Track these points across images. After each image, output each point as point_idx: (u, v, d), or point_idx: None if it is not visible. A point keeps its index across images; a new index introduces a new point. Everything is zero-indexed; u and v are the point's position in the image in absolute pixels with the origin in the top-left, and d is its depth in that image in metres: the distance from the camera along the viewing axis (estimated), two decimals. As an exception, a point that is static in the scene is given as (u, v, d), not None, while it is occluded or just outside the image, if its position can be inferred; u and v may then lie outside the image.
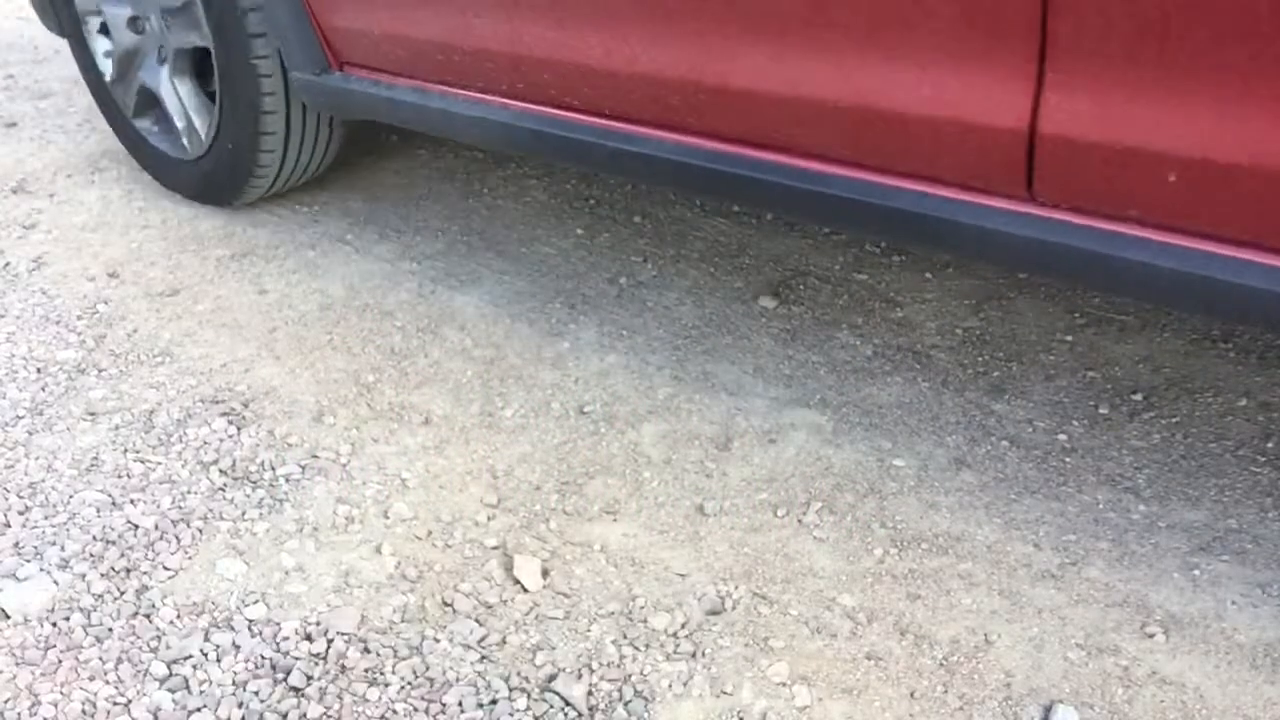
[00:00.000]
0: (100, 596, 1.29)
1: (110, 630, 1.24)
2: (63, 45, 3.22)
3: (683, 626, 1.25)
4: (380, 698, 1.16)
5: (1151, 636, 1.22)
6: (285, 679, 1.18)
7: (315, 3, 1.80)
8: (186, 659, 1.20)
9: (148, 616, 1.26)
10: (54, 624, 1.25)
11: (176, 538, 1.38)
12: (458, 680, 1.18)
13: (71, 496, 1.45)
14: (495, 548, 1.36)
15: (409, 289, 1.95)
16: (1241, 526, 1.36)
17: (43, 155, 2.53)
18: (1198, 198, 1.05)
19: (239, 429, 1.58)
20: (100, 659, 1.21)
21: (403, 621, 1.26)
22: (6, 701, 1.16)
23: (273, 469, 1.50)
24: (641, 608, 1.27)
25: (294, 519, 1.41)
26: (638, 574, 1.32)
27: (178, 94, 2.12)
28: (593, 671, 1.19)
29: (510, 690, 1.17)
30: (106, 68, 2.23)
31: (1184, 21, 0.98)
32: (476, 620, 1.26)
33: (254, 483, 1.48)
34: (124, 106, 2.25)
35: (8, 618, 1.26)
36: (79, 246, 2.12)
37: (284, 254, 2.09)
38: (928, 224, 1.24)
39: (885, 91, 1.20)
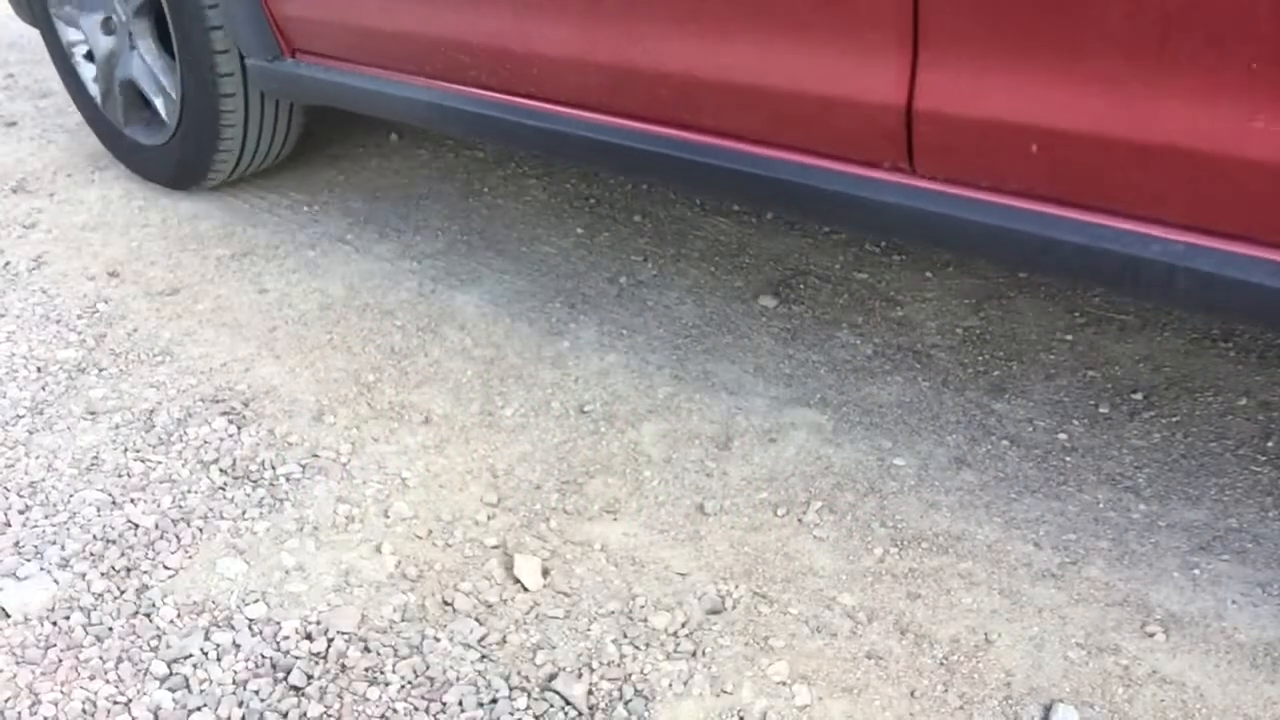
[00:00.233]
0: (100, 595, 1.29)
1: (110, 629, 1.24)
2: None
3: (683, 626, 1.25)
4: (380, 697, 1.16)
5: (1152, 636, 1.22)
6: (285, 678, 1.18)
7: None
8: (187, 658, 1.20)
9: (148, 616, 1.26)
10: (54, 623, 1.25)
11: (177, 537, 1.38)
12: (458, 679, 1.18)
13: (72, 496, 1.45)
14: (495, 547, 1.37)
15: (409, 288, 1.95)
16: (1242, 526, 1.36)
17: (43, 154, 2.53)
18: (1056, 167, 1.13)
19: (239, 428, 1.58)
20: (100, 658, 1.21)
21: (403, 621, 1.26)
22: (7, 700, 1.16)
23: (273, 468, 1.50)
24: (642, 607, 1.27)
25: (294, 518, 1.41)
26: (638, 573, 1.32)
27: (149, 67, 2.17)
28: (593, 671, 1.19)
29: (510, 689, 1.17)
30: (95, 90, 2.32)
31: (1037, 3, 1.07)
32: (477, 619, 1.26)
33: (254, 482, 1.48)
34: (115, 121, 2.31)
35: (8, 617, 1.26)
36: (79, 246, 2.12)
37: (284, 253, 2.09)
38: (821, 197, 1.32)
39: (776, 71, 1.28)
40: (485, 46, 1.59)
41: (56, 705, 1.15)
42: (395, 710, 1.14)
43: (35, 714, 1.14)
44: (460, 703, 1.15)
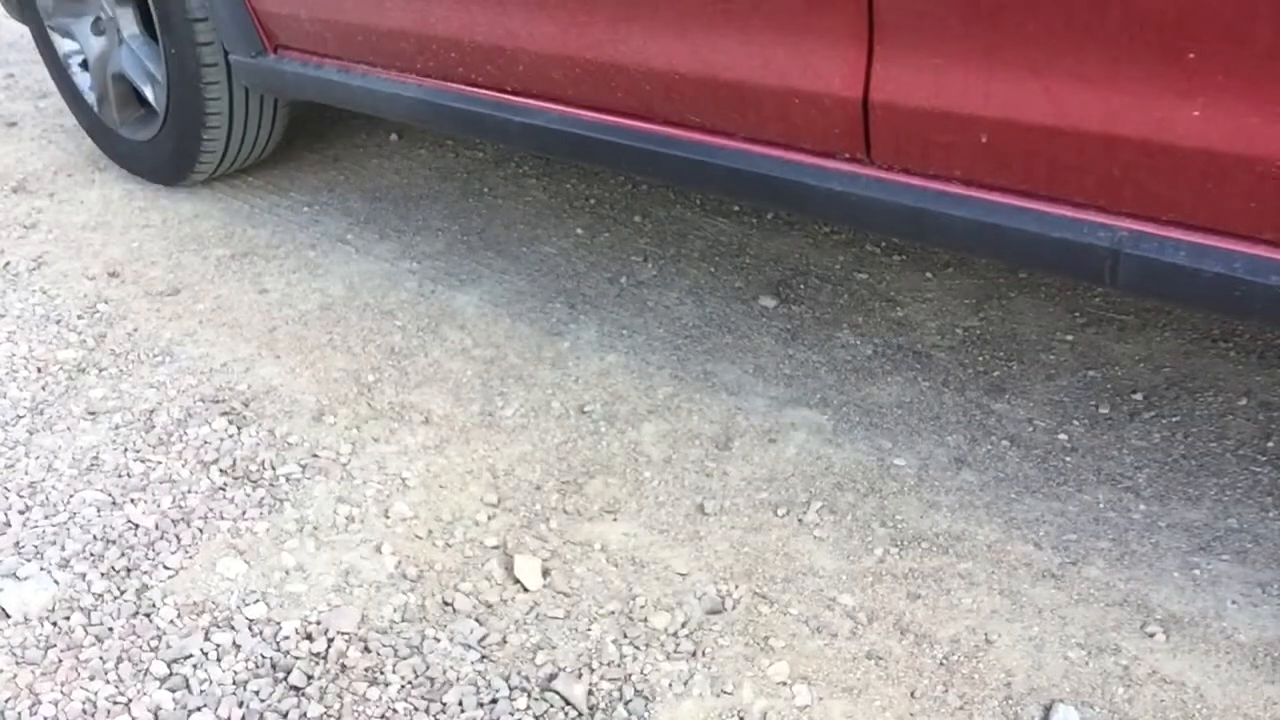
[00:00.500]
0: (100, 596, 1.29)
1: (110, 630, 1.24)
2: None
3: (683, 626, 1.25)
4: (380, 697, 1.16)
5: (1152, 636, 1.22)
6: (285, 678, 1.18)
7: None
8: (187, 658, 1.20)
9: (148, 616, 1.26)
10: (54, 623, 1.25)
11: (177, 537, 1.38)
12: (458, 680, 1.18)
13: (72, 496, 1.45)
14: (495, 547, 1.37)
15: (409, 288, 1.95)
16: (1242, 526, 1.36)
17: (43, 155, 2.53)
18: (1004, 156, 1.16)
19: (239, 428, 1.58)
20: (100, 658, 1.21)
21: (403, 621, 1.26)
22: (7, 701, 1.16)
23: (273, 468, 1.50)
24: (642, 607, 1.27)
25: (294, 518, 1.41)
26: (638, 573, 1.32)
27: (137, 55, 2.17)
28: (593, 671, 1.19)
29: (510, 690, 1.17)
30: (92, 99, 2.34)
31: None
32: (477, 620, 1.26)
33: (254, 482, 1.48)
34: (111, 123, 2.32)
35: (8, 617, 1.26)
36: (79, 246, 2.12)
37: (284, 254, 2.09)
38: (785, 187, 1.35)
39: (740, 66, 1.31)
40: (471, 43, 1.61)
41: (56, 705, 1.15)
42: (395, 710, 1.14)
43: (35, 714, 1.14)
44: (460, 703, 1.15)
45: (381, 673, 1.19)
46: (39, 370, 1.73)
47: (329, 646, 1.22)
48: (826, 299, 1.89)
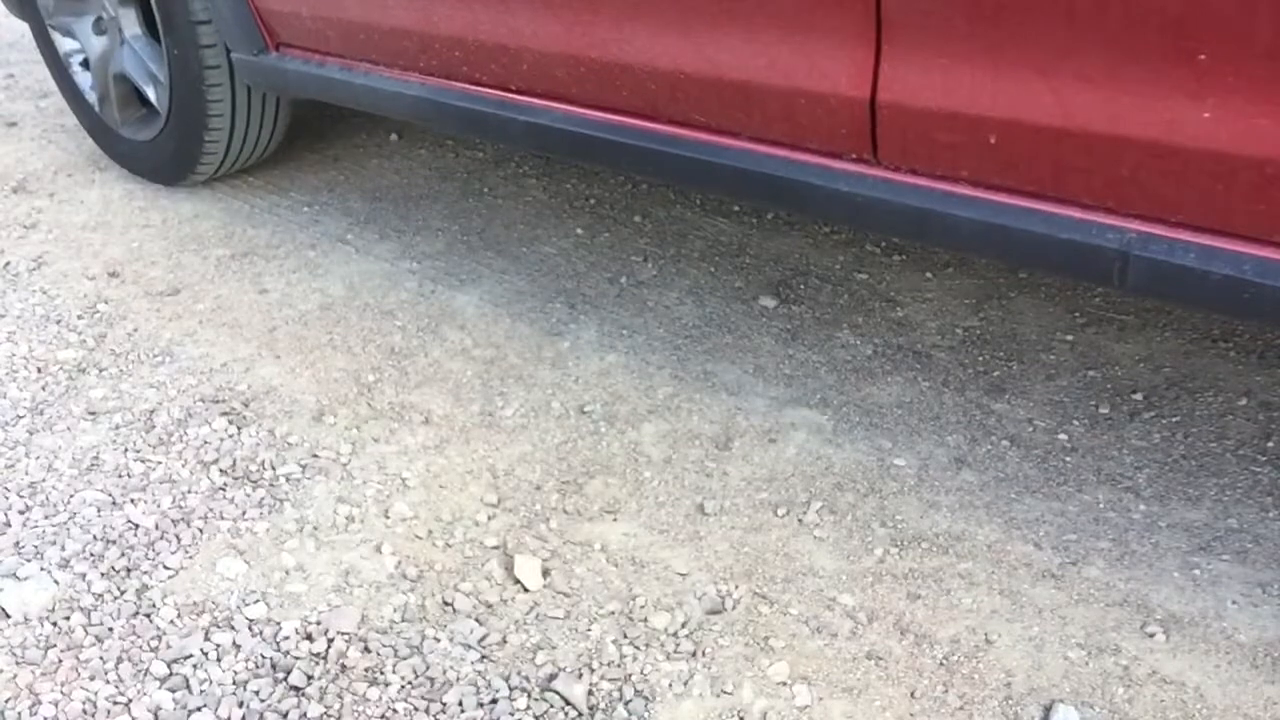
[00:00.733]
0: (100, 596, 1.29)
1: (110, 630, 1.24)
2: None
3: (683, 626, 1.25)
4: (380, 697, 1.16)
5: (1152, 636, 1.22)
6: (285, 678, 1.18)
7: None
8: (187, 658, 1.20)
9: (148, 616, 1.26)
10: (54, 623, 1.25)
11: (177, 537, 1.38)
12: (458, 680, 1.18)
13: (72, 496, 1.45)
14: (495, 547, 1.37)
15: (409, 288, 1.95)
16: (1242, 526, 1.36)
17: (43, 154, 2.53)
18: (1012, 157, 1.16)
19: (239, 428, 1.58)
20: (100, 658, 1.21)
21: (403, 621, 1.26)
22: (7, 701, 1.16)
23: (273, 468, 1.50)
24: (642, 607, 1.27)
25: (294, 518, 1.41)
26: (638, 573, 1.32)
27: (139, 55, 2.17)
28: (593, 671, 1.19)
29: (510, 690, 1.17)
30: (93, 98, 2.34)
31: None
32: (477, 620, 1.26)
33: (254, 482, 1.48)
34: (112, 123, 2.32)
35: (8, 617, 1.26)
36: (79, 246, 2.12)
37: (284, 254, 2.09)
38: (790, 188, 1.35)
39: (746, 66, 1.31)
40: (475, 42, 1.61)
41: (57, 706, 1.15)
42: (395, 710, 1.15)
43: (35, 714, 1.14)
44: (460, 703, 1.15)
45: (381, 673, 1.19)
46: (39, 370, 1.73)
47: (329, 646, 1.22)
48: (826, 299, 1.89)
